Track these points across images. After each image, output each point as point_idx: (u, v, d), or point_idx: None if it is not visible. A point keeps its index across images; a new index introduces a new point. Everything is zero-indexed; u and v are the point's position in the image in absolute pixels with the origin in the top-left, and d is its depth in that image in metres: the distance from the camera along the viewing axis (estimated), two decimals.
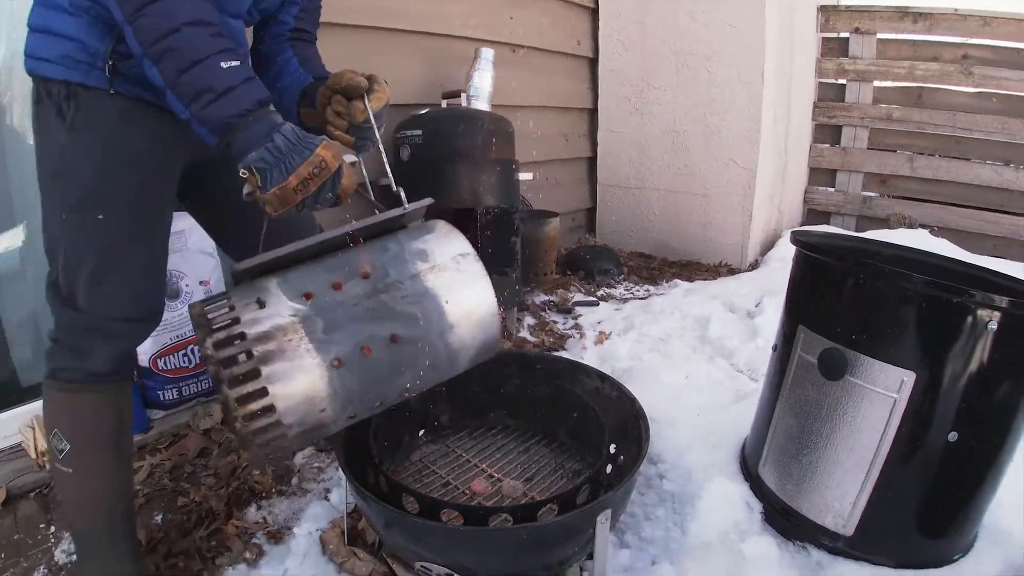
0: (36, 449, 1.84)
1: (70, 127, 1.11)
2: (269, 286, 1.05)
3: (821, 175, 4.31)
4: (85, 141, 1.12)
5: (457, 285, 1.13)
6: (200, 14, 1.00)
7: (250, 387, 0.96)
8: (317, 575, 1.43)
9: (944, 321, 1.22)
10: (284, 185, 1.00)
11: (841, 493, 1.40)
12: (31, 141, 1.85)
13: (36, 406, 1.97)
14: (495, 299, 1.18)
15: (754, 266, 3.69)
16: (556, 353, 2.51)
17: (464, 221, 2.40)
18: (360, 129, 1.24)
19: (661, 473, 1.74)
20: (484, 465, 1.69)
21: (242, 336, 0.98)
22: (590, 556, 1.27)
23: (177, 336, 2.10)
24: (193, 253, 2.12)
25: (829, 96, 4.16)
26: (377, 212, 1.17)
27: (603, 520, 1.20)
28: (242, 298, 1.02)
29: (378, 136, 1.25)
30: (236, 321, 0.99)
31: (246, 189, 1.02)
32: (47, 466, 1.82)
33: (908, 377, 1.26)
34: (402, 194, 1.21)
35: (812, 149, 4.24)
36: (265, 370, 0.97)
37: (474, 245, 2.33)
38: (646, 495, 1.69)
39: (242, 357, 0.98)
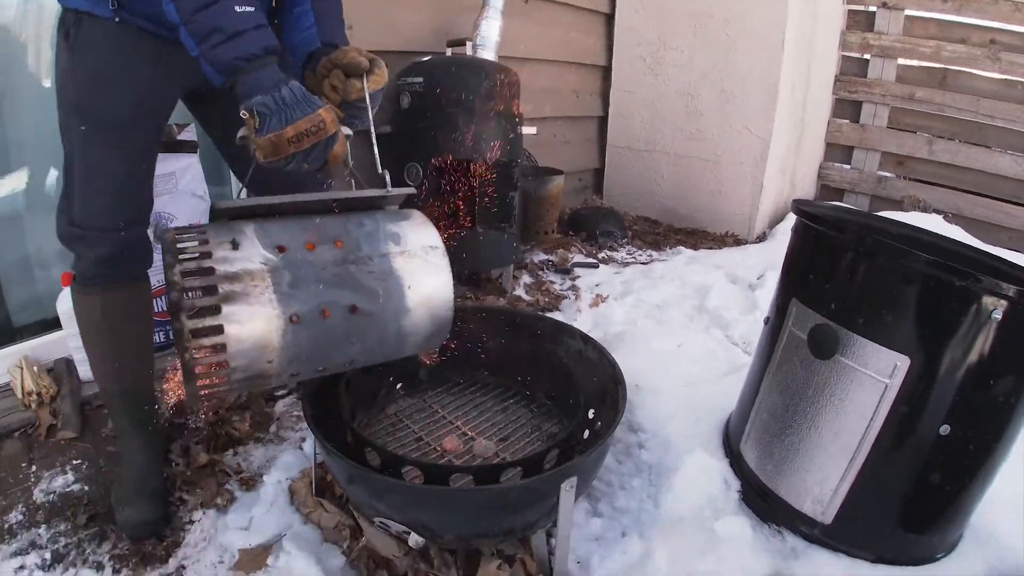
0: (23, 389, 1.85)
1: (72, 48, 1.22)
2: (246, 230, 1.06)
3: (837, 151, 4.20)
4: (82, 61, 1.22)
5: (421, 273, 1.18)
6: None
7: (208, 322, 0.96)
8: (281, 524, 1.42)
9: (946, 306, 1.15)
10: (280, 134, 1.05)
11: (822, 478, 1.34)
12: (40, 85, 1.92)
13: (26, 346, 1.99)
14: (452, 296, 1.22)
15: (761, 238, 3.62)
16: (550, 314, 2.47)
17: (461, 173, 2.35)
18: (352, 107, 1.26)
19: (641, 442, 1.72)
20: (459, 423, 1.67)
21: (210, 271, 0.98)
22: (556, 523, 1.26)
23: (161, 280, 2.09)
24: (183, 195, 2.09)
25: (851, 70, 4.03)
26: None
27: (567, 487, 1.18)
28: (218, 235, 1.03)
29: (371, 117, 1.27)
30: (207, 255, 0.99)
31: (242, 132, 1.08)
32: (32, 406, 1.84)
33: (902, 362, 1.19)
34: (386, 177, 1.25)
35: (830, 124, 4.13)
36: (226, 309, 0.97)
37: (471, 198, 2.33)
38: (624, 464, 1.67)
39: (202, 292, 1.00)
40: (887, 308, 1.21)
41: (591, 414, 1.50)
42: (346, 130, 1.18)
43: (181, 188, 2.09)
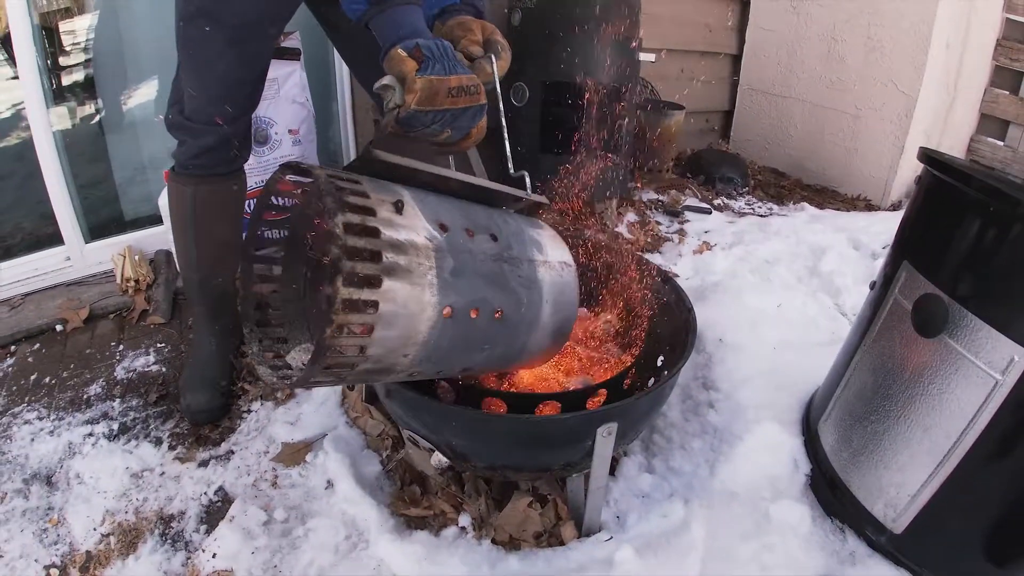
0: (123, 275, 2.00)
1: None
2: (404, 195, 0.89)
3: (991, 124, 3.64)
4: None
5: (557, 290, 1.08)
6: None
7: (365, 295, 0.77)
8: (327, 424, 1.46)
9: None
10: (443, 79, 0.94)
11: (901, 480, 1.15)
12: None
13: (130, 237, 2.16)
14: (574, 319, 1.14)
15: (896, 207, 3.27)
16: (649, 255, 2.35)
17: (571, 96, 2.23)
18: None
19: (711, 401, 1.60)
20: None
21: (376, 232, 0.79)
22: None
23: (262, 181, 2.14)
24: (284, 102, 2.12)
25: (1016, 35, 3.44)
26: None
27: (604, 433, 1.10)
28: (376, 190, 0.85)
29: (501, 106, 1.15)
30: (371, 212, 0.81)
31: (386, 80, 0.96)
32: (129, 291, 1.98)
33: (1021, 356, 0.96)
34: (526, 179, 1.16)
35: (986, 92, 3.58)
36: (387, 283, 0.79)
37: (578, 123, 2.20)
38: (690, 422, 1.57)
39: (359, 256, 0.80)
40: (1015, 285, 0.98)
41: (660, 361, 1.39)
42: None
43: (283, 94, 2.12)
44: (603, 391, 1.26)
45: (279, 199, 0.95)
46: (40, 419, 1.52)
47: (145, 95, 2.18)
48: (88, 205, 2.09)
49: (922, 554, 1.17)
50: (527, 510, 1.26)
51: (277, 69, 2.04)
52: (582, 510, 1.29)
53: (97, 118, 2.10)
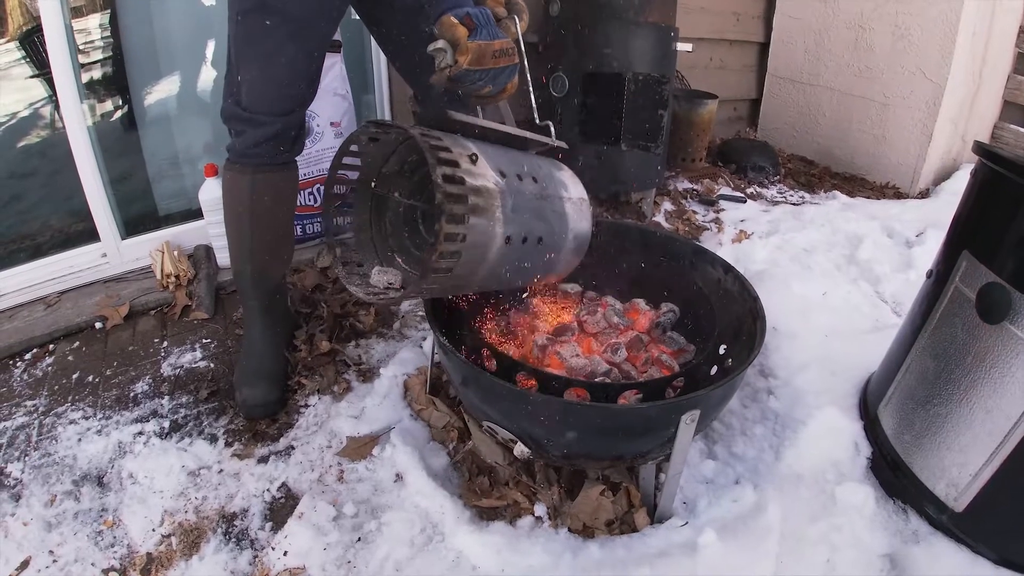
0: (162, 271, 1.97)
1: None
2: (472, 148, 1.08)
3: (1016, 111, 3.64)
4: None
5: (577, 219, 1.29)
6: None
7: (458, 230, 0.98)
8: (392, 417, 1.44)
9: None
10: (489, 43, 1.10)
11: (963, 460, 1.18)
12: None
13: (168, 232, 2.13)
14: (588, 243, 1.34)
15: (924, 195, 3.27)
16: None
17: (610, 86, 2.21)
18: None
19: (770, 388, 1.60)
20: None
21: (462, 180, 0.99)
22: (669, 457, 1.18)
23: (305, 174, 2.13)
24: (326, 93, 2.11)
25: None
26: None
27: (688, 421, 1.09)
28: (455, 146, 1.04)
29: (524, 59, 1.26)
30: (456, 164, 1.00)
31: (440, 43, 1.09)
32: (170, 287, 1.95)
33: None
34: (551, 127, 1.31)
35: (1010, 80, 3.58)
36: (471, 220, 1.00)
37: (618, 114, 2.19)
38: (748, 408, 1.57)
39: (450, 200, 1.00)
40: None
41: (722, 349, 1.38)
42: None
43: (324, 87, 2.11)
44: (680, 380, 1.25)
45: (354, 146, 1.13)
46: (86, 418, 1.50)
47: (177, 88, 2.16)
48: (122, 201, 2.07)
49: (981, 531, 1.20)
50: (600, 498, 1.25)
51: None
52: (654, 497, 1.28)
53: (129, 112, 2.08)
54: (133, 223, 2.12)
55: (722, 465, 1.42)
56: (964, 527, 1.21)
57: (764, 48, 3.74)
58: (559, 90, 2.27)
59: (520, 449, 1.13)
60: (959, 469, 1.19)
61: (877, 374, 1.52)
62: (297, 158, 1.48)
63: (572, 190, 1.30)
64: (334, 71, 2.12)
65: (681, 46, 2.34)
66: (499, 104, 1.28)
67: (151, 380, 1.64)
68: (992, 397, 1.12)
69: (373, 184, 1.22)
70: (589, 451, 1.15)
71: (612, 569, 1.12)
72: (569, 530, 1.22)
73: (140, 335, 1.83)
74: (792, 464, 1.37)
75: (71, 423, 1.48)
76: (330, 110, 2.14)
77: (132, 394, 1.59)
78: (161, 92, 2.14)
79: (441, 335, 1.18)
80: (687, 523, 1.23)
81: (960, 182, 3.20)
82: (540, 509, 1.25)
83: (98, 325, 1.86)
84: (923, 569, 1.18)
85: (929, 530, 1.26)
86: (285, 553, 1.17)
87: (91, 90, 1.97)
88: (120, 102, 2.07)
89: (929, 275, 1.34)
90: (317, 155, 2.14)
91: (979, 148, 1.21)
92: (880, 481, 1.36)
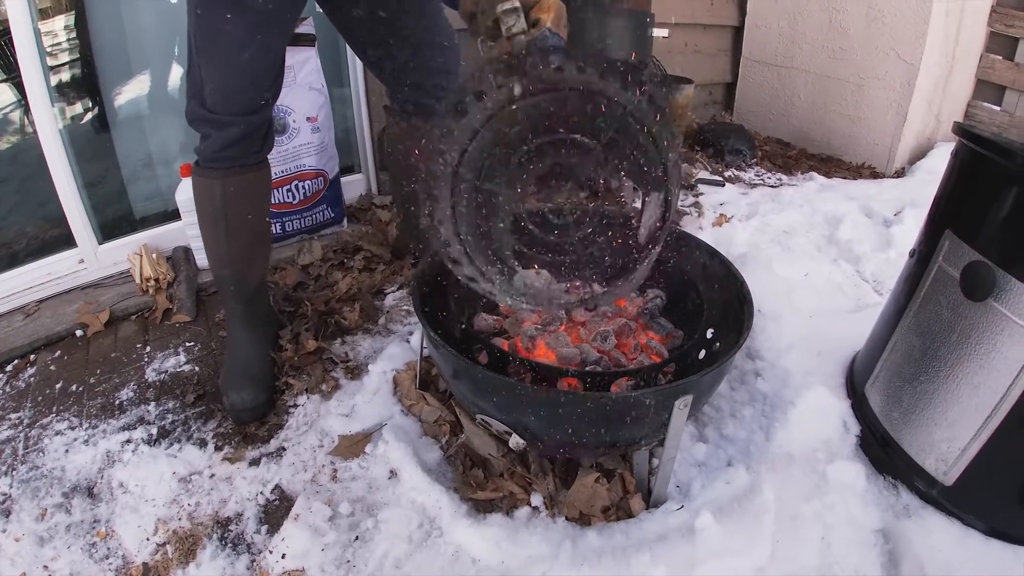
0: (141, 275, 1.94)
1: None
2: None
3: (988, 89, 3.68)
4: None
5: None
6: None
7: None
8: (383, 414, 1.44)
9: None
10: (561, 4, 1.02)
11: (951, 435, 1.21)
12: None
13: (145, 235, 2.10)
14: None
15: (900, 174, 3.32)
16: None
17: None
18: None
19: (757, 370, 1.61)
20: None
21: None
22: (662, 442, 1.19)
23: (283, 171, 2.11)
24: (302, 89, 2.09)
25: (1010, 1, 3.47)
26: None
27: (681, 406, 1.10)
28: None
29: None
30: None
31: None
32: (150, 291, 1.93)
33: None
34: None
35: (982, 59, 3.63)
36: None
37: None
38: (737, 391, 1.58)
39: None
40: None
41: (709, 333, 1.39)
42: None
43: (300, 81, 2.08)
44: (672, 366, 1.25)
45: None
46: (72, 428, 1.48)
47: (148, 87, 2.12)
48: (98, 205, 2.03)
49: (970, 504, 1.23)
50: (594, 485, 1.26)
51: (293, 56, 2.01)
52: (648, 482, 1.29)
53: (101, 114, 2.03)
54: (109, 227, 2.08)
55: (713, 448, 1.43)
56: (954, 500, 1.24)
57: (738, 32, 3.75)
58: None
59: (515, 441, 1.13)
60: (948, 444, 1.22)
61: (862, 353, 1.54)
62: (275, 155, 1.46)
63: None
64: (309, 65, 2.09)
65: (657, 32, 2.35)
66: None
67: (136, 386, 1.61)
68: (979, 373, 1.15)
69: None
70: (584, 440, 1.15)
71: (612, 556, 1.12)
72: (567, 519, 1.23)
73: (122, 341, 1.80)
74: (783, 444, 1.39)
75: (57, 434, 1.46)
76: (306, 105, 2.11)
77: (117, 401, 1.56)
78: (132, 92, 2.09)
79: (431, 329, 1.18)
80: (683, 507, 1.24)
81: (935, 161, 3.26)
82: (536, 499, 1.25)
83: (79, 333, 1.82)
84: (916, 542, 1.21)
85: (920, 504, 1.28)
86: (283, 556, 1.16)
87: (61, 93, 1.93)
88: (91, 104, 2.03)
89: (912, 255, 1.37)
90: (295, 151, 2.12)
91: (960, 129, 1.23)
92: (870, 458, 1.39)
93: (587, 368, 1.29)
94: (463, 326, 1.31)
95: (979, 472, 1.19)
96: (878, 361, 1.41)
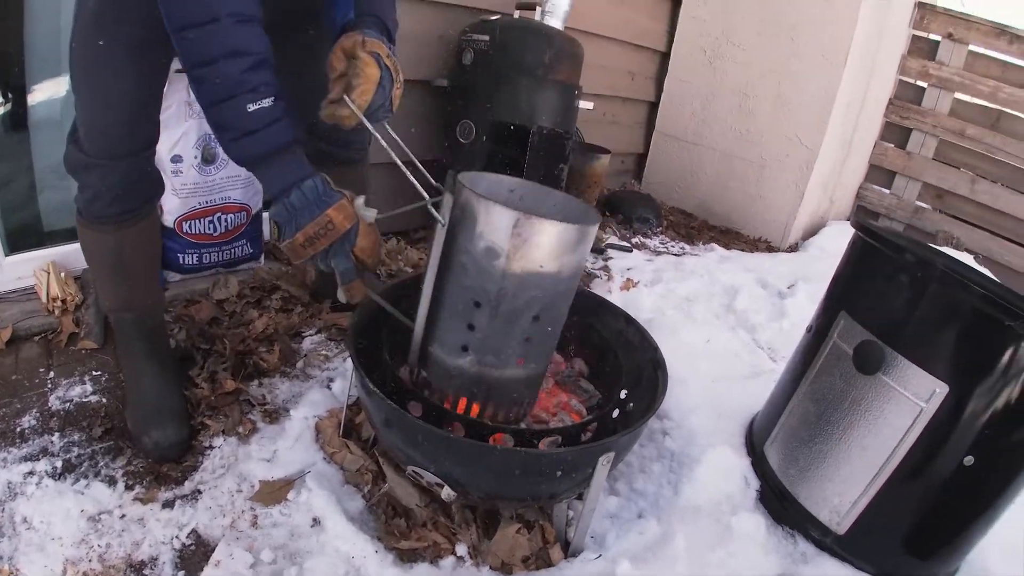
0: (48, 294, 1.83)
1: None
2: None
3: (879, 174, 4.15)
4: None
5: None
6: (239, 43, 1.01)
7: None
8: (306, 461, 1.42)
9: (991, 341, 1.16)
10: (292, 241, 1.08)
11: (843, 490, 1.37)
12: None
13: (55, 251, 1.96)
14: None
15: (793, 248, 3.60)
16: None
17: (516, 138, 2.31)
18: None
19: (665, 429, 1.72)
20: None
21: None
22: (579, 496, 1.26)
23: (207, 201, 2.07)
24: None
25: (907, 96, 3.97)
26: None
27: (604, 462, 1.18)
28: None
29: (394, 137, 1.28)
30: None
31: (273, 236, 1.12)
32: (56, 312, 1.82)
33: (941, 388, 1.20)
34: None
35: (877, 145, 4.08)
36: None
37: (522, 166, 2.29)
38: (646, 447, 1.67)
39: None
40: (935, 334, 1.23)
41: (623, 395, 1.48)
42: (369, 215, 1.16)
43: None
44: (594, 425, 1.34)
45: None
46: None
47: (64, 89, 2.00)
48: (6, 211, 1.89)
49: (861, 551, 1.38)
50: (516, 536, 1.30)
51: None
52: (566, 533, 1.35)
53: (20, 110, 1.90)
54: (14, 237, 1.92)
55: (625, 500, 1.50)
56: (847, 547, 1.39)
57: (654, 107, 3.96)
58: (465, 136, 2.35)
59: (447, 492, 1.16)
60: (840, 498, 1.37)
61: (761, 415, 1.69)
62: (201, 185, 1.43)
63: None
64: None
65: (583, 104, 2.50)
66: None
67: (39, 414, 1.50)
68: (868, 436, 1.31)
69: None
70: (511, 492, 1.20)
71: None
72: (491, 567, 1.25)
73: (24, 363, 1.68)
74: (690, 498, 1.48)
75: None
76: None
77: (19, 429, 1.45)
78: (59, 92, 1.98)
79: (365, 376, 1.20)
80: (600, 555, 1.30)
81: (826, 238, 3.55)
82: (461, 549, 1.28)
83: None
84: None
85: (816, 551, 1.42)
86: None
87: None
88: (11, 97, 1.91)
89: (809, 330, 1.54)
90: (221, 183, 2.08)
91: (858, 224, 1.41)
92: (769, 511, 1.51)
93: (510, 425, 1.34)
94: (395, 377, 1.34)
95: (869, 522, 1.34)
96: (776, 423, 1.55)
